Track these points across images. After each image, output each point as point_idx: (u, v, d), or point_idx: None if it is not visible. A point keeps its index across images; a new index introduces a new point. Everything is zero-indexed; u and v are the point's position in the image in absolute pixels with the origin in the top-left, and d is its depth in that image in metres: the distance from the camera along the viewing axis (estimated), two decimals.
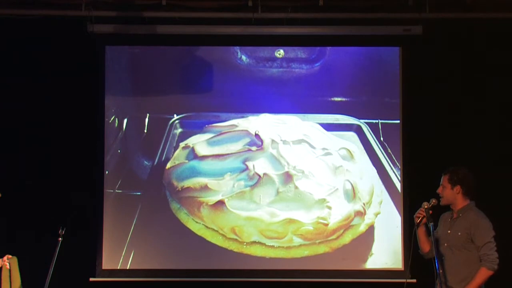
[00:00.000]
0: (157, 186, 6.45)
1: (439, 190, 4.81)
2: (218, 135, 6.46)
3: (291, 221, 6.23)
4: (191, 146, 6.46)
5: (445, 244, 4.72)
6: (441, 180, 4.81)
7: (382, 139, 6.47)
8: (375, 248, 6.36)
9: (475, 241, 4.65)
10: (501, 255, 4.72)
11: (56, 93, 6.39)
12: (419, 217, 4.74)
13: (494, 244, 4.66)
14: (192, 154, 6.42)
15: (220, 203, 6.27)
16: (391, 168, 6.43)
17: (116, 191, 6.45)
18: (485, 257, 4.61)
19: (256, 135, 6.39)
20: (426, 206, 4.68)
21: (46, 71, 6.40)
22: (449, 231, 4.76)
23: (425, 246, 4.84)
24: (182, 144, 6.50)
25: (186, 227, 6.35)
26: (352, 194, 6.32)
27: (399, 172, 6.41)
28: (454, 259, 4.67)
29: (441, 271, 4.67)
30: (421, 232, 4.82)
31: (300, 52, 6.58)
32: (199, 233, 6.33)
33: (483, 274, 4.61)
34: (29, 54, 6.40)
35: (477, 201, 4.88)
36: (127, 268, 6.36)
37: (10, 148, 6.39)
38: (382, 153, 6.47)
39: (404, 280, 5.64)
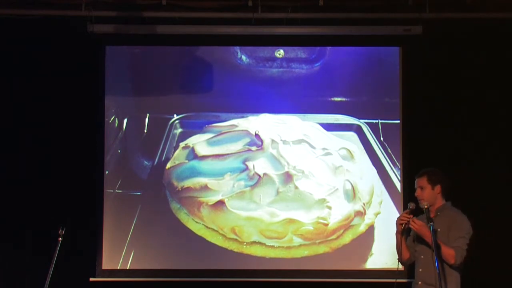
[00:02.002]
0: (157, 186, 6.45)
1: (417, 193, 4.77)
2: (218, 135, 6.46)
3: (291, 221, 6.24)
4: (191, 146, 6.46)
5: (423, 246, 4.69)
6: (417, 183, 4.77)
7: (382, 139, 6.47)
8: (375, 248, 6.36)
9: (450, 234, 4.61)
10: (498, 255, 4.72)
11: (56, 93, 6.39)
12: (402, 224, 4.71)
13: (467, 242, 4.62)
14: (192, 154, 6.43)
15: (220, 203, 6.27)
16: (391, 168, 6.43)
17: (116, 191, 6.45)
18: (457, 249, 4.58)
19: (256, 135, 6.40)
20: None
21: (46, 71, 6.40)
22: None
23: (405, 253, 4.81)
24: (182, 144, 6.50)
25: (186, 227, 6.35)
26: (352, 194, 6.32)
27: (399, 172, 6.41)
28: (433, 258, 4.62)
29: (420, 270, 4.67)
30: (402, 239, 4.79)
31: (300, 52, 6.58)
32: (199, 233, 6.33)
33: (447, 252, 4.52)
34: (29, 54, 6.39)
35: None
36: (127, 268, 6.36)
37: (10, 148, 6.38)
38: (382, 153, 6.47)
39: (402, 280, 5.64)
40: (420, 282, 4.72)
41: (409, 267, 6.08)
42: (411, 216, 4.68)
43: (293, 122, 6.49)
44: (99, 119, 6.47)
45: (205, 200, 6.30)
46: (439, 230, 4.67)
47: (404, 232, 4.75)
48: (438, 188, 4.74)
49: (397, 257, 4.85)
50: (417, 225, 4.61)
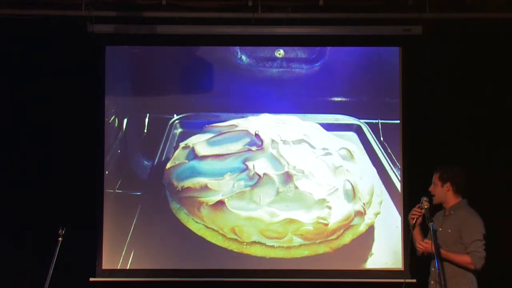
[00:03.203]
0: (157, 186, 6.45)
1: (431, 189, 4.81)
2: (218, 135, 6.46)
3: (291, 221, 6.23)
4: (191, 146, 6.46)
5: (436, 242, 4.70)
6: (433, 178, 4.81)
7: (382, 139, 6.47)
8: (375, 248, 6.35)
9: (463, 237, 4.63)
10: (498, 255, 4.72)
11: (56, 93, 6.39)
12: (413, 218, 4.73)
13: (483, 243, 4.64)
14: (192, 154, 6.42)
15: (220, 203, 6.27)
16: (391, 168, 6.43)
17: (116, 191, 6.45)
18: (473, 253, 4.59)
19: (256, 135, 6.39)
20: (426, 206, 4.67)
21: (46, 71, 6.40)
22: (440, 229, 4.76)
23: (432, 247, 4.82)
24: (182, 144, 6.50)
25: (186, 227, 6.35)
26: (352, 194, 6.32)
27: (399, 172, 6.41)
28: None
29: (432, 269, 4.68)
30: (417, 233, 4.81)
31: (300, 52, 6.58)
32: (199, 233, 6.33)
33: (463, 260, 4.58)
34: (29, 54, 6.39)
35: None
36: (127, 268, 6.36)
37: (10, 148, 6.39)
38: (382, 153, 6.47)
39: (402, 280, 5.65)
40: (432, 282, 4.74)
41: (411, 267, 6.13)
42: (422, 211, 4.68)
43: (293, 122, 6.49)
44: (99, 119, 6.47)
45: (205, 200, 6.30)
46: (449, 231, 4.68)
47: (415, 226, 4.75)
48: (447, 186, 4.75)
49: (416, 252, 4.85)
50: (423, 247, 4.64)
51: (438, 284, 4.64)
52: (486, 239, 4.67)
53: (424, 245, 4.68)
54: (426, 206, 4.67)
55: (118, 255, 6.37)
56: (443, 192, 4.77)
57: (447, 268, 4.65)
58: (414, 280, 5.99)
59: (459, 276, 4.63)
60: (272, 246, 6.29)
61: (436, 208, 4.87)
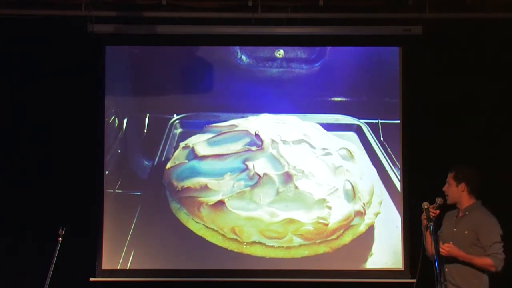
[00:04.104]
0: (157, 186, 6.45)
1: (445, 188, 4.78)
2: (218, 135, 6.46)
3: (291, 221, 6.23)
4: (191, 146, 6.46)
5: (451, 242, 4.66)
6: (447, 178, 4.79)
7: (382, 139, 6.47)
8: (375, 248, 6.35)
9: (481, 240, 4.61)
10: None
11: (56, 93, 6.39)
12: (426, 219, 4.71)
13: (501, 245, 4.62)
14: (192, 154, 6.42)
15: (220, 203, 6.27)
16: (391, 168, 6.43)
17: (116, 191, 6.45)
18: (494, 256, 4.58)
19: (256, 135, 6.39)
20: (426, 206, 4.66)
21: (46, 71, 6.40)
22: (454, 229, 4.73)
23: (429, 248, 4.79)
24: (182, 144, 6.50)
25: (186, 227, 6.35)
26: (352, 194, 6.31)
27: (399, 172, 6.40)
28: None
29: (446, 270, 4.66)
30: (428, 233, 4.78)
31: (300, 52, 6.58)
32: (199, 233, 6.33)
33: (484, 263, 4.56)
34: (29, 54, 6.39)
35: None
36: (127, 268, 6.36)
37: (10, 148, 6.39)
38: (382, 153, 6.47)
39: (404, 280, 5.65)
40: (446, 282, 4.71)
41: (411, 267, 6.13)
42: (437, 212, 4.65)
43: (293, 122, 6.49)
44: (99, 119, 6.47)
45: (205, 200, 6.30)
46: (466, 232, 4.65)
47: (428, 227, 4.71)
48: (462, 186, 4.71)
49: (425, 252, 4.82)
50: (445, 250, 4.60)
51: (452, 285, 4.62)
52: (503, 241, 4.66)
53: (446, 248, 4.61)
54: (425, 206, 4.66)
55: (118, 255, 6.37)
56: (457, 192, 4.73)
57: (461, 268, 4.64)
58: (414, 280, 5.97)
59: (473, 277, 4.62)
60: (272, 246, 6.29)
61: (449, 207, 4.84)
